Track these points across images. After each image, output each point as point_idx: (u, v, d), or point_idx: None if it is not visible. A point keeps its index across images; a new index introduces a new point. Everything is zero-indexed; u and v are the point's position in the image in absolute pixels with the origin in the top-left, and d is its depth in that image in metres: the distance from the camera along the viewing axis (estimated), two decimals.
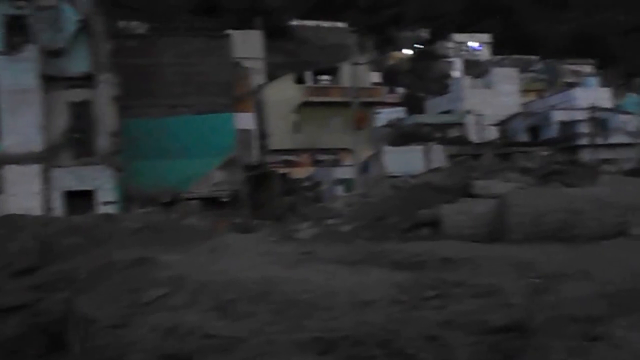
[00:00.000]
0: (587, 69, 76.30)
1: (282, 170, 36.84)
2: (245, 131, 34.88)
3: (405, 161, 25.60)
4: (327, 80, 44.02)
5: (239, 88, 34.66)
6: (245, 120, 34.72)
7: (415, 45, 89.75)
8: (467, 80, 56.25)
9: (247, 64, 50.43)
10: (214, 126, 32.41)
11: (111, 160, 23.13)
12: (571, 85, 58.99)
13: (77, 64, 23.62)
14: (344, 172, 32.62)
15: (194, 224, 16.77)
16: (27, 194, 22.36)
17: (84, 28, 23.62)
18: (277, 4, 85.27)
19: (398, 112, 56.54)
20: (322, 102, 41.06)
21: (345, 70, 42.90)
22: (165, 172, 30.58)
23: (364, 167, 31.11)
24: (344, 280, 8.41)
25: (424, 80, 72.51)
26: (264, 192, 33.32)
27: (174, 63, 32.66)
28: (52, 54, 23.58)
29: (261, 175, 36.19)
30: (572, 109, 47.74)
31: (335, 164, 36.44)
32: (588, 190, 13.53)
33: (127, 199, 27.63)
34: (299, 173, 36.00)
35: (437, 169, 21.22)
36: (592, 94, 52.22)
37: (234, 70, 34.85)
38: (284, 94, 40.98)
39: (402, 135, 43.37)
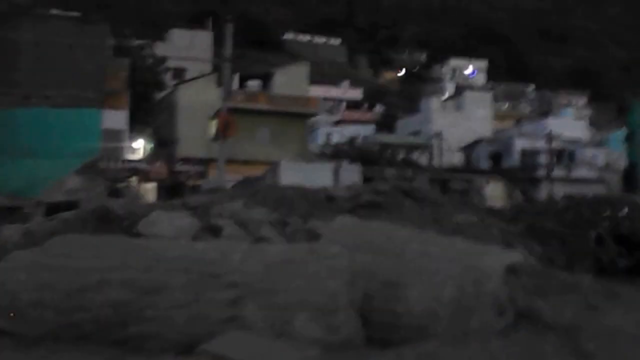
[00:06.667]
0: (581, 101, 74.43)
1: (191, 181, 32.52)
2: (115, 131, 30.61)
3: (308, 178, 22.83)
4: (255, 86, 39.51)
5: (112, 82, 30.28)
6: (115, 119, 30.44)
7: (409, 68, 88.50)
8: (437, 102, 54.55)
9: (192, 65, 47.32)
10: (75, 123, 28.36)
11: None
12: (546, 115, 57.04)
13: None
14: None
15: None
16: None
17: None
18: (273, 17, 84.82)
19: (366, 130, 55.11)
20: (248, 110, 35.03)
21: (279, 77, 39.39)
22: (8, 173, 26.63)
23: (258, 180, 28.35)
24: None
25: (409, 101, 71.14)
26: None
27: (35, 46, 28.32)
28: None
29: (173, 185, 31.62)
30: (535, 137, 45.81)
31: (201, 175, 32.11)
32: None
33: None
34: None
35: None
36: (565, 124, 50.23)
37: (107, 61, 30.27)
38: (202, 96, 35.04)
39: (348, 153, 41.63)
